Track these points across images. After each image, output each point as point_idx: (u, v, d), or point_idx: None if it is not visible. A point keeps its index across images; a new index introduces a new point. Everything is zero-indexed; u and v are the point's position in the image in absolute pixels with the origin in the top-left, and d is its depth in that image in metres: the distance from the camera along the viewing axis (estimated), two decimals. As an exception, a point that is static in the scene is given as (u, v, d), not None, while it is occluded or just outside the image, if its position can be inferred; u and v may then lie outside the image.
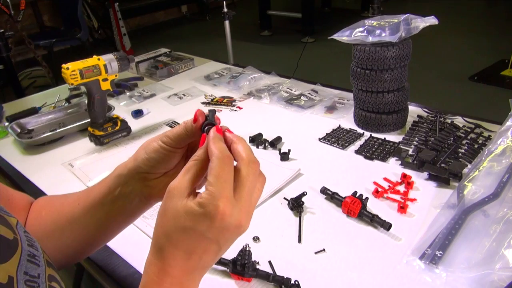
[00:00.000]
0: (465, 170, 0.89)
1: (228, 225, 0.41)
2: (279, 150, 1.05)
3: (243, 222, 0.42)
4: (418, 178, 0.90)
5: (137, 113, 1.35)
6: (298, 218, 0.81)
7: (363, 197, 0.82)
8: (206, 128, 0.54)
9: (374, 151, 1.02)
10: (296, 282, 0.66)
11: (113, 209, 0.56)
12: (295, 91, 1.41)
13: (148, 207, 0.58)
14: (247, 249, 0.68)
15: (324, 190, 0.87)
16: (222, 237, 0.42)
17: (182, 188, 0.43)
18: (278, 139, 1.10)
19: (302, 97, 1.35)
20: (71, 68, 1.06)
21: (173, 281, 0.42)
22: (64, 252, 0.58)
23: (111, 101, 1.44)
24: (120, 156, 1.10)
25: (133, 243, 0.79)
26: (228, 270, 0.69)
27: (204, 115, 0.54)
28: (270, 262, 0.71)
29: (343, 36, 1.05)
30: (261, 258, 0.71)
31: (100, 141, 1.15)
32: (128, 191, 0.54)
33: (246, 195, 0.42)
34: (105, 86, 1.13)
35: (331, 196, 0.85)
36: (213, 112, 0.55)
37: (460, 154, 0.96)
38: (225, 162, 0.42)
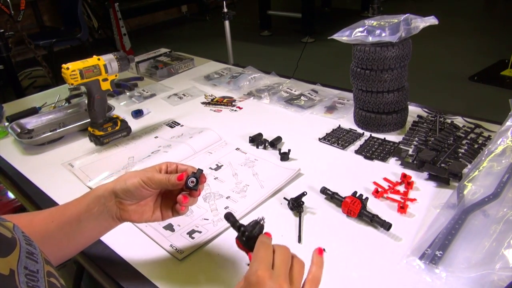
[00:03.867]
0: (465, 170, 0.89)
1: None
2: (279, 150, 1.05)
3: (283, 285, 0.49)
4: (418, 178, 0.90)
5: (137, 113, 1.35)
6: (298, 218, 0.81)
7: (363, 197, 0.82)
8: (189, 181, 0.65)
9: (374, 151, 1.02)
10: (296, 282, 0.65)
11: (88, 225, 0.64)
12: (295, 91, 1.41)
13: (117, 225, 0.67)
14: (261, 222, 0.59)
15: (324, 190, 0.87)
16: None
17: None
18: (278, 139, 1.10)
19: (302, 97, 1.35)
20: (71, 68, 1.06)
21: None
22: None
23: (111, 101, 1.44)
24: (120, 156, 1.10)
25: (133, 243, 0.79)
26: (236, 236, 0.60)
27: (187, 174, 0.65)
28: (270, 262, 0.70)
29: (343, 36, 1.05)
30: (261, 258, 0.71)
31: (100, 141, 1.15)
32: (104, 211, 0.63)
33: (280, 268, 0.50)
34: (105, 86, 1.13)
35: (331, 196, 0.85)
36: (200, 171, 0.67)
37: (460, 154, 0.96)
38: (262, 246, 0.52)
